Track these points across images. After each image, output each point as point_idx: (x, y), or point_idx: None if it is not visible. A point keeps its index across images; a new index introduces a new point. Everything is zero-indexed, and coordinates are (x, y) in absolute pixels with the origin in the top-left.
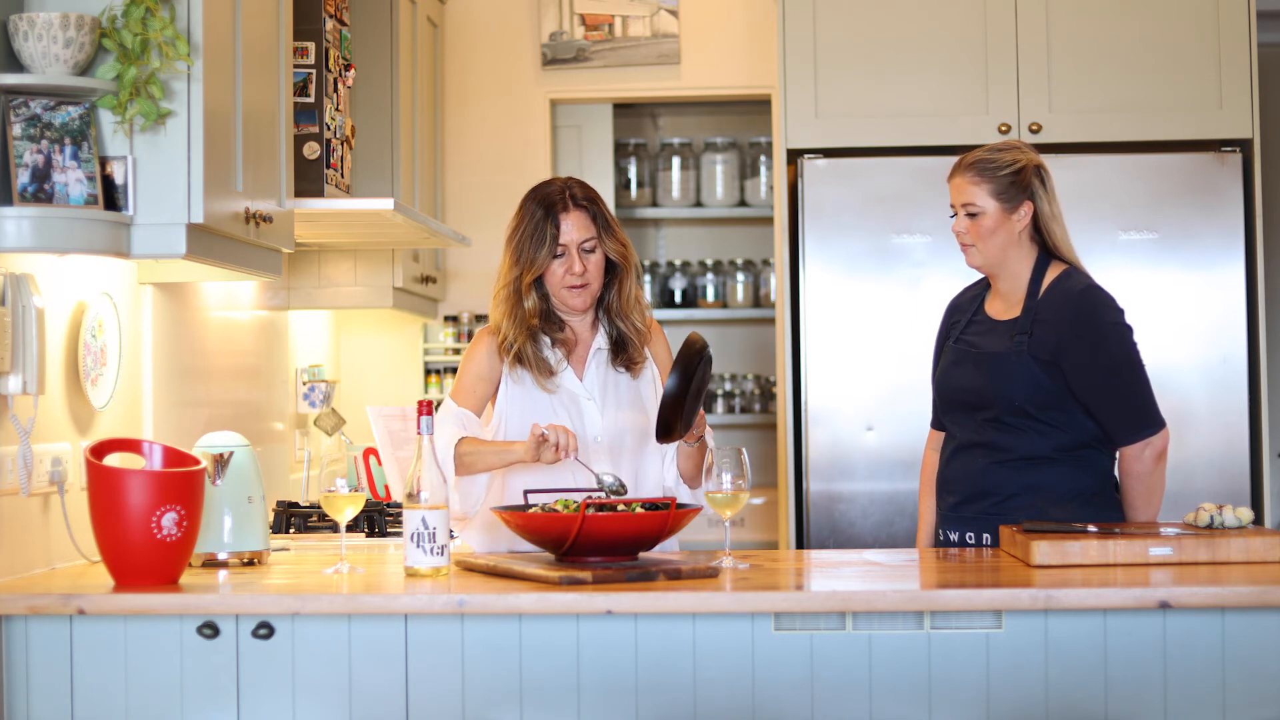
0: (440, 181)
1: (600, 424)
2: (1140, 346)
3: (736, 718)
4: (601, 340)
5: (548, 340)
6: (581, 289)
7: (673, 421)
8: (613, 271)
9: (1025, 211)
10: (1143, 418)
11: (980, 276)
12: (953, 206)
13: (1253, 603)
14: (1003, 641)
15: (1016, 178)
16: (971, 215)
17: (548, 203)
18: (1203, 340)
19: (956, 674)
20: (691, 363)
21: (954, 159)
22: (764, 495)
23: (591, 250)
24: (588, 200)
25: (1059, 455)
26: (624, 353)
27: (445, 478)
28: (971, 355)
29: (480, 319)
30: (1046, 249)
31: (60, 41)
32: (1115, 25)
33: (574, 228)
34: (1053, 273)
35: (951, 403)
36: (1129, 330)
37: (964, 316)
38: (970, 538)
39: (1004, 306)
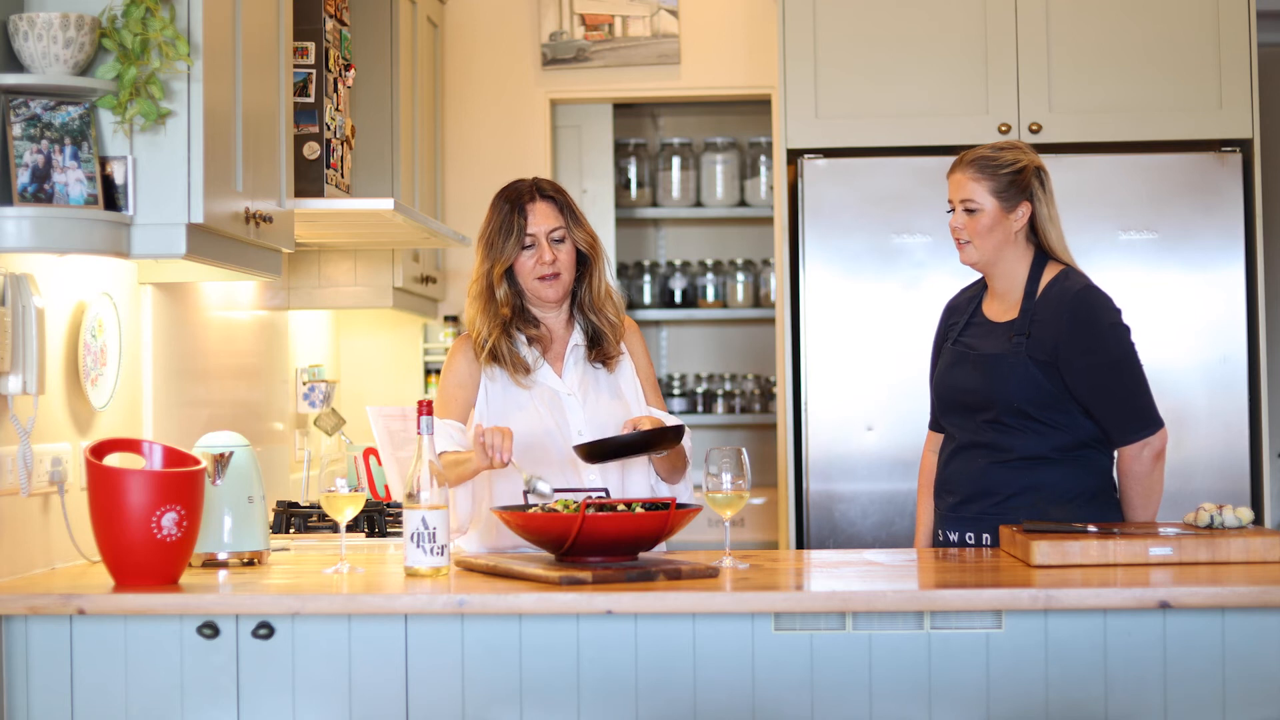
0: (440, 181)
1: (583, 418)
2: (1140, 346)
3: (736, 718)
4: (578, 336)
5: (523, 339)
6: (553, 279)
7: (605, 457)
8: (583, 265)
9: (1023, 212)
10: (1141, 418)
11: (977, 278)
12: (950, 202)
13: (1253, 603)
14: (1003, 641)
15: (1017, 177)
16: (969, 211)
17: (515, 196)
18: (1203, 340)
19: (956, 674)
20: (662, 436)
21: (954, 159)
22: (764, 495)
23: (560, 240)
24: (555, 192)
25: (1059, 455)
26: (599, 347)
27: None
28: (970, 357)
29: None
30: (1042, 250)
31: (60, 41)
32: (1115, 25)
33: (541, 217)
34: (1050, 273)
35: (950, 404)
36: (1127, 330)
37: (961, 318)
38: (970, 538)
39: (1001, 308)
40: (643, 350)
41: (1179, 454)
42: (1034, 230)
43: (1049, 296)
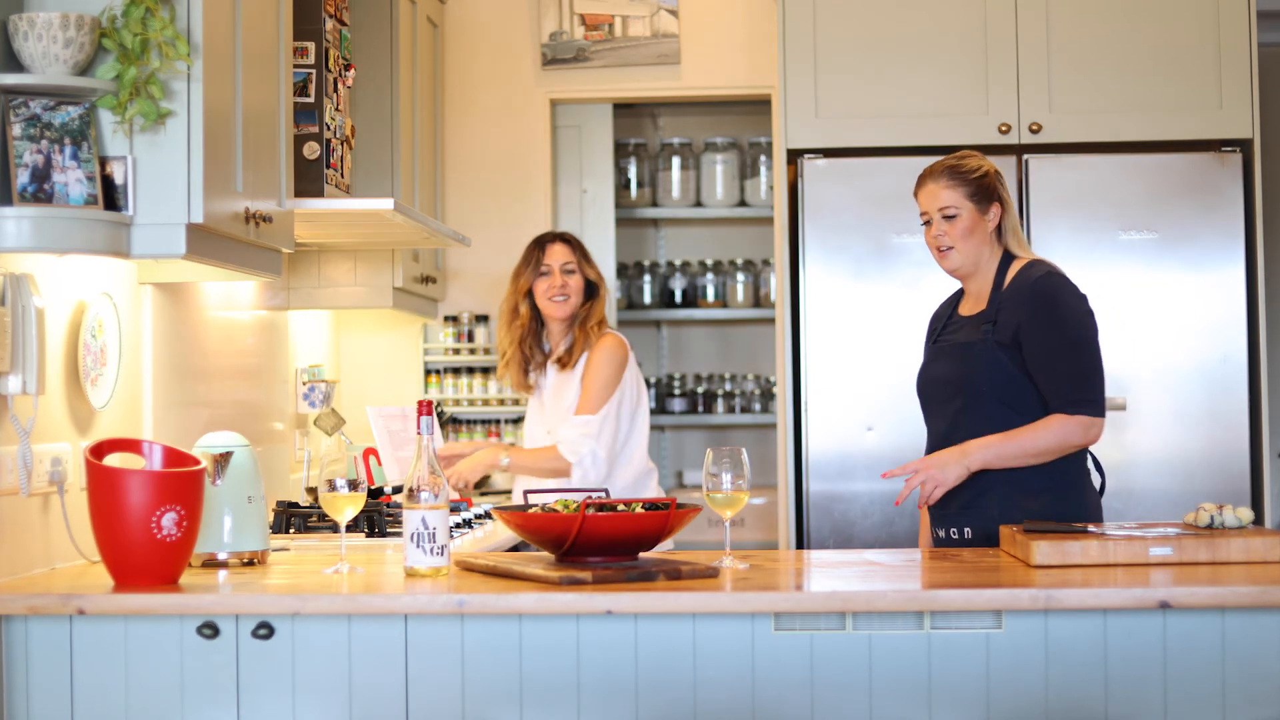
0: (440, 181)
1: (539, 418)
2: (1140, 346)
3: (736, 718)
4: (561, 349)
5: (532, 364)
6: (563, 301)
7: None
8: (593, 296)
9: (995, 213)
10: (1084, 393)
11: (957, 288)
12: (924, 215)
13: (1253, 603)
14: (1003, 641)
15: (984, 180)
16: (949, 218)
17: (539, 239)
18: (1203, 340)
19: (956, 674)
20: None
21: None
22: (764, 495)
23: (571, 272)
24: (570, 238)
25: None
26: (566, 354)
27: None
28: (945, 348)
29: (480, 319)
30: (1007, 250)
31: (60, 41)
32: (1115, 25)
33: (557, 254)
34: (1015, 266)
35: (930, 397)
36: (1089, 315)
37: (941, 323)
38: (955, 533)
39: (974, 304)
40: (600, 360)
41: (1179, 454)
42: (998, 231)
43: (1015, 284)
